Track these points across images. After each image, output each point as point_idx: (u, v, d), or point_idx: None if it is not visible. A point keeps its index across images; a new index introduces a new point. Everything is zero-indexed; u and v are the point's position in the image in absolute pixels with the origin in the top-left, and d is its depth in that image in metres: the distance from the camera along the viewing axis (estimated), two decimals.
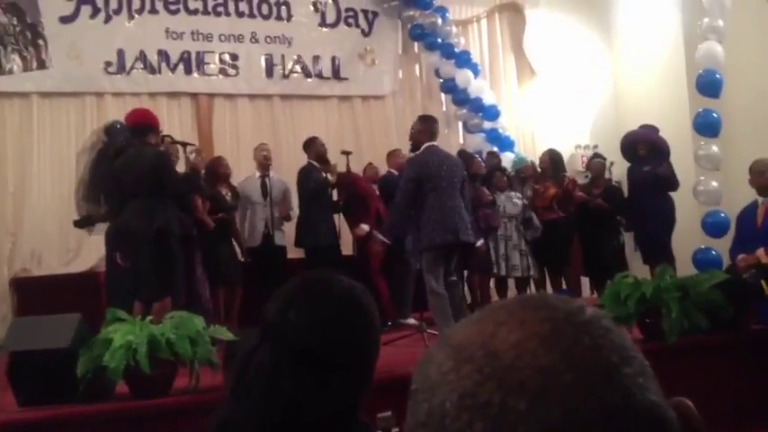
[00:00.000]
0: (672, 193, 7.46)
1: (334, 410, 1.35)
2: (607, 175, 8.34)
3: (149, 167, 5.37)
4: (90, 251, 7.81)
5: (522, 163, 8.86)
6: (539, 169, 8.41)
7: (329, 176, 7.46)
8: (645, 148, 7.56)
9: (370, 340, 1.43)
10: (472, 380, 0.56)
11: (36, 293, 7.32)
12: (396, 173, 7.89)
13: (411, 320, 7.20)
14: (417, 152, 5.95)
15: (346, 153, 7.62)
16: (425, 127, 5.97)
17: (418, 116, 6.52)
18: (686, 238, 7.66)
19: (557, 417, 0.53)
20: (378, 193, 7.74)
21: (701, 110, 7.71)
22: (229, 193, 7.23)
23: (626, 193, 7.93)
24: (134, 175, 5.36)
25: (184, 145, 6.54)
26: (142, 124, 5.63)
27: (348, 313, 1.40)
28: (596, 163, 8.33)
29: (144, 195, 5.35)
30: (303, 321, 1.36)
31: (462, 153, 8.23)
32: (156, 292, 5.32)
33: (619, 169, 8.40)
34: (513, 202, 7.86)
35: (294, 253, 7.60)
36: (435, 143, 5.94)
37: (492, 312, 0.60)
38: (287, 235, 7.57)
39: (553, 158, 8.27)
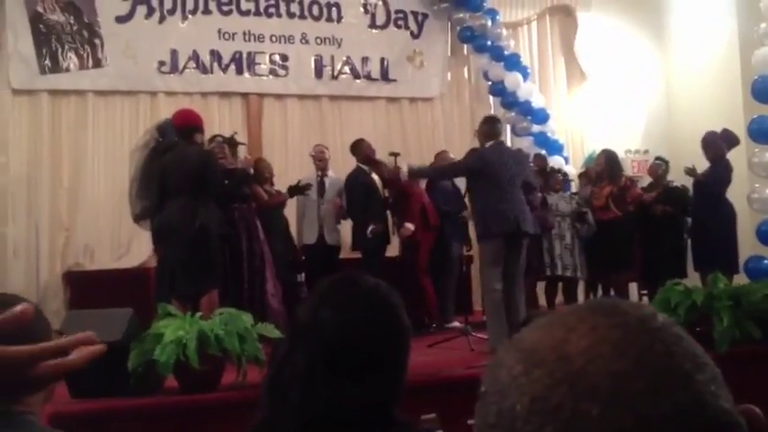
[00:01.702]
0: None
1: (370, 409, 1.36)
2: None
3: (195, 166, 5.46)
4: (141, 247, 7.95)
5: (594, 163, 8.74)
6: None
7: (377, 177, 7.50)
8: (709, 152, 7.28)
9: (399, 336, 1.45)
10: (543, 384, 0.56)
11: (88, 288, 7.47)
12: None
13: (455, 323, 7.19)
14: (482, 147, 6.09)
15: (394, 155, 7.61)
16: (486, 128, 6.11)
17: (483, 117, 6.58)
18: (739, 245, 7.50)
19: (629, 422, 0.53)
20: (425, 192, 7.73)
21: (755, 116, 7.57)
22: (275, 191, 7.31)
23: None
24: (179, 173, 5.45)
25: (235, 145, 6.65)
26: (187, 124, 5.74)
27: (376, 310, 1.43)
28: (653, 165, 8.20)
29: (187, 194, 5.44)
30: (333, 320, 1.39)
31: (538, 158, 8.38)
32: (194, 287, 5.41)
33: (673, 173, 8.23)
34: (565, 200, 7.80)
35: (347, 253, 7.65)
36: (501, 141, 6.05)
37: (562, 317, 0.61)
38: (342, 235, 7.64)
39: (609, 159, 8.13)
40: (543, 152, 9.22)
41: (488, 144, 6.00)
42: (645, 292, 8.21)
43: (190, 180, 5.42)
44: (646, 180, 8.61)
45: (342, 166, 8.02)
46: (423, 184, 7.84)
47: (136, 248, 8.13)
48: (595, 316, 0.59)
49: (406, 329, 1.47)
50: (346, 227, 7.68)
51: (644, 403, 0.54)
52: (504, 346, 0.63)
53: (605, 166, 8.00)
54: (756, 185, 7.51)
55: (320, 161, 7.62)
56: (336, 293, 1.46)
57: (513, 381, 0.58)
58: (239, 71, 9.04)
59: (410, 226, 7.30)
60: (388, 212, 7.67)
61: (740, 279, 6.69)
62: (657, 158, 8.33)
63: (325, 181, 7.55)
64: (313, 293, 1.48)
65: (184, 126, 5.72)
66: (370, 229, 7.18)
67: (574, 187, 8.43)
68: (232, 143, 6.63)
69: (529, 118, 9.58)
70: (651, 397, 0.54)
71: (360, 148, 7.64)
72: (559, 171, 8.29)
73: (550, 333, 0.59)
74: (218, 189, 5.64)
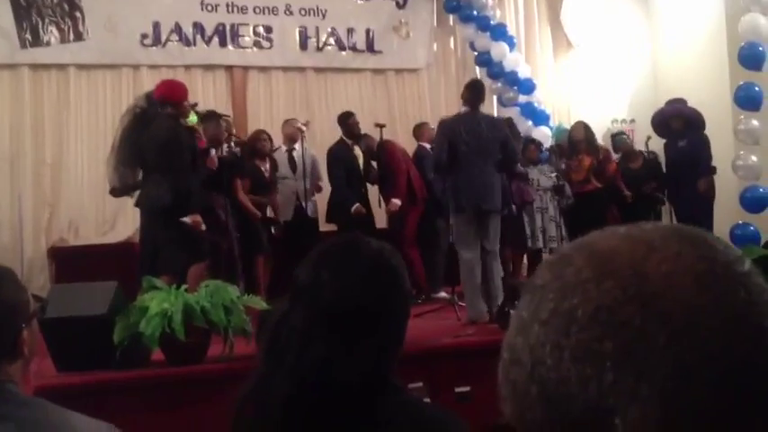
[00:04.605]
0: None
1: (367, 372, 1.36)
2: (643, 149, 8.30)
3: (161, 143, 5.41)
4: (126, 222, 7.92)
5: (563, 134, 8.75)
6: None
7: (360, 149, 7.48)
8: (679, 121, 7.57)
9: (399, 300, 1.44)
10: (613, 296, 0.54)
11: (73, 263, 7.43)
12: (428, 146, 7.86)
13: (442, 293, 7.22)
14: (452, 116, 6.06)
15: (380, 126, 7.60)
16: (466, 94, 6.08)
17: (467, 82, 6.53)
18: (724, 213, 7.55)
19: (694, 358, 0.52)
20: (413, 165, 7.70)
21: (742, 83, 7.56)
22: (268, 168, 7.25)
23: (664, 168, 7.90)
24: (151, 150, 5.44)
25: (219, 117, 6.61)
26: (162, 97, 5.68)
27: (377, 273, 1.42)
28: (621, 140, 8.32)
29: (159, 170, 5.42)
30: (334, 283, 1.38)
31: (507, 123, 8.33)
32: (177, 261, 5.38)
33: (655, 144, 8.30)
34: (545, 174, 7.83)
35: (326, 225, 7.62)
36: (478, 109, 5.96)
37: (645, 232, 0.59)
38: (318, 207, 7.60)
39: (587, 131, 8.19)
40: (511, 117, 9.13)
41: (462, 111, 5.97)
42: None
43: (159, 156, 5.39)
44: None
45: (327, 137, 7.99)
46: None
47: (121, 223, 8.08)
48: (682, 242, 0.57)
49: (407, 294, 1.47)
50: (322, 199, 7.64)
51: (715, 345, 0.52)
52: (575, 245, 0.61)
53: (584, 139, 8.06)
54: (741, 152, 7.53)
55: (297, 135, 7.50)
56: (338, 255, 1.44)
57: (580, 284, 0.56)
58: (223, 43, 8.93)
59: (397, 201, 7.30)
60: (376, 187, 7.66)
61: None
62: (618, 134, 8.50)
63: (294, 155, 7.47)
64: (313, 255, 1.45)
65: (158, 98, 5.67)
66: (353, 208, 7.16)
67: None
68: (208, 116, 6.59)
69: (515, 88, 9.53)
70: (723, 341, 0.52)
71: (345, 123, 7.61)
72: (533, 141, 8.31)
73: (630, 246, 0.57)
74: (179, 165, 5.52)
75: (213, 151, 6.28)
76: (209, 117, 6.68)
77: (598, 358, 0.53)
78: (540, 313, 0.57)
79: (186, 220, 5.40)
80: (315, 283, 1.39)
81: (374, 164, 7.61)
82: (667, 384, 0.52)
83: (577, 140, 8.14)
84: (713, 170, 7.50)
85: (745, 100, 7.45)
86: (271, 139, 7.42)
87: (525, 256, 8.09)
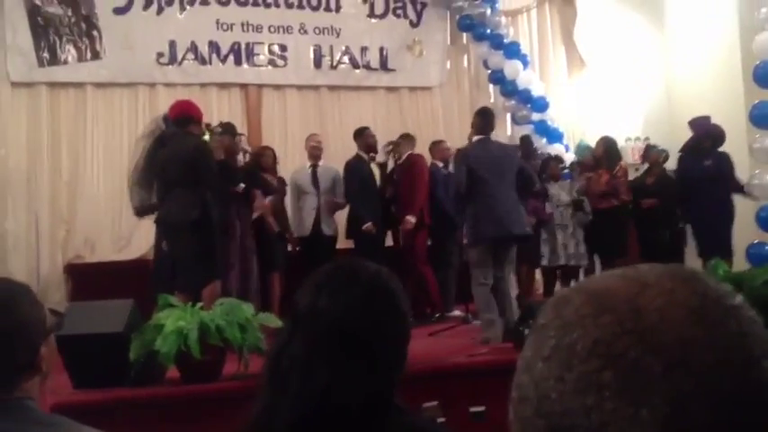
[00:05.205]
0: None
1: (370, 394, 1.36)
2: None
3: (188, 158, 5.46)
4: (141, 239, 7.94)
5: (585, 151, 8.73)
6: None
7: (378, 163, 7.51)
8: (710, 140, 7.48)
9: (399, 322, 1.45)
10: (610, 330, 0.57)
11: (89, 280, 7.48)
12: (440, 164, 7.86)
13: (456, 312, 7.20)
14: (467, 144, 6.02)
15: (393, 143, 7.63)
16: (477, 122, 6.06)
17: (477, 109, 6.50)
18: (740, 232, 7.49)
19: (690, 388, 0.54)
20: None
21: (757, 102, 7.54)
22: (274, 181, 7.30)
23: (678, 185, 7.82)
24: (175, 165, 5.47)
25: (236, 135, 6.67)
26: (183, 115, 5.74)
27: (376, 296, 1.43)
28: (656, 151, 8.18)
29: (184, 185, 5.45)
30: (333, 307, 1.39)
31: (524, 140, 8.31)
32: (197, 280, 5.40)
33: (669, 162, 8.25)
34: (566, 190, 7.81)
35: (344, 243, 7.63)
36: (489, 136, 5.96)
37: (640, 273, 0.61)
38: (339, 225, 7.62)
39: (607, 146, 8.14)
40: (529, 135, 9.14)
41: (475, 139, 5.95)
42: None
43: (184, 172, 5.43)
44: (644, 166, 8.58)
45: (342, 155, 8.02)
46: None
47: (136, 240, 8.12)
48: (675, 279, 0.60)
49: (406, 316, 1.48)
50: (341, 216, 7.67)
51: (708, 375, 0.54)
52: (574, 287, 0.63)
53: (603, 154, 8.03)
54: (757, 171, 7.50)
55: (318, 151, 7.59)
56: (336, 280, 1.45)
57: (580, 320, 0.58)
58: (238, 62, 9.01)
59: (411, 219, 7.27)
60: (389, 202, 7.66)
61: (742, 265, 6.69)
62: (657, 146, 8.34)
63: (318, 171, 7.51)
64: (312, 280, 1.47)
65: (179, 117, 5.73)
66: (365, 226, 7.17)
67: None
68: (229, 132, 6.65)
69: (528, 106, 9.55)
70: (716, 371, 0.55)
71: (362, 136, 7.65)
72: (555, 158, 8.29)
73: (626, 284, 0.60)
74: (212, 180, 5.61)
75: (242, 185, 6.37)
76: (227, 130, 6.75)
77: (598, 388, 0.55)
78: (542, 350, 0.60)
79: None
80: (314, 308, 1.40)
81: (391, 161, 7.60)
82: (666, 410, 0.54)
83: (597, 156, 8.13)
84: (741, 188, 7.41)
85: (761, 118, 7.43)
86: (275, 156, 7.47)
87: (540, 273, 8.07)
